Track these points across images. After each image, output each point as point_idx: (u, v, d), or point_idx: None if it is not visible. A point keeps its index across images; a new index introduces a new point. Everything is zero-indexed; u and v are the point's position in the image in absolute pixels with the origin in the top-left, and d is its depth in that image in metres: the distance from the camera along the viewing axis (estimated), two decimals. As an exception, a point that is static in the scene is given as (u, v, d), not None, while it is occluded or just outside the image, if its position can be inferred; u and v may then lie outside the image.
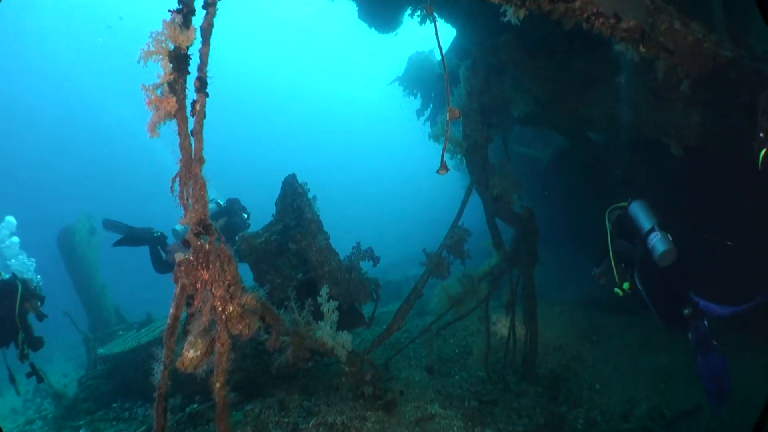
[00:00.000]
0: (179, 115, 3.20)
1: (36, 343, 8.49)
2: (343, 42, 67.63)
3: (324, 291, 5.60)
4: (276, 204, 7.54)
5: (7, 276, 8.63)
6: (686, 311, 6.06)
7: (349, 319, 7.28)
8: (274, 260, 7.33)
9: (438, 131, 7.47)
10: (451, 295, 7.51)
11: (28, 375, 8.47)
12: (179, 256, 3.40)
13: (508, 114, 8.21)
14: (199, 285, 3.38)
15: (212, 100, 3.36)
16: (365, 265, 7.45)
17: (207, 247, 3.35)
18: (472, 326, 9.69)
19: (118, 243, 9.41)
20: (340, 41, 68.32)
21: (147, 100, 3.07)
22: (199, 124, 3.39)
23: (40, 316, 8.77)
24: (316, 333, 5.22)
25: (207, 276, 3.34)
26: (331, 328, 5.35)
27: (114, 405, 9.50)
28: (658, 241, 6.05)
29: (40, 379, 8.52)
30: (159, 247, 9.59)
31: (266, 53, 71.21)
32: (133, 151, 56.00)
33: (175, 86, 3.17)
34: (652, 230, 6.18)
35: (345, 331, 5.56)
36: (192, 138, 3.34)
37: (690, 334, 6.03)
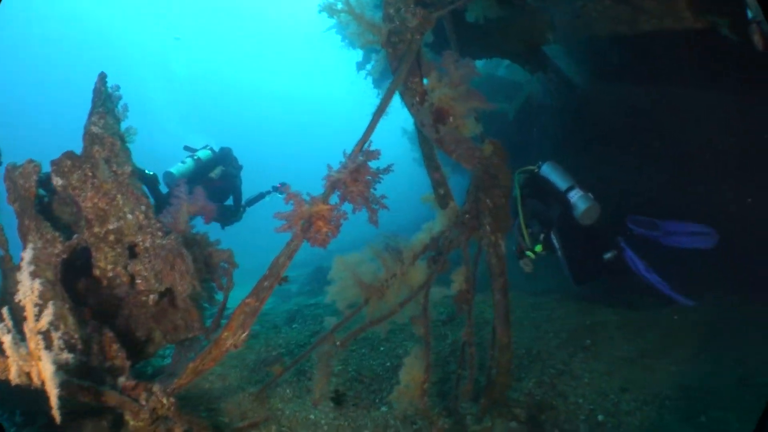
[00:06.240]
0: None
1: None
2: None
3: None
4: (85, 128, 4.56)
5: None
6: (608, 254, 6.67)
7: (167, 317, 4.46)
8: (42, 211, 4.28)
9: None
10: (364, 278, 4.53)
11: None
12: None
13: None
14: None
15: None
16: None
17: None
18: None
19: None
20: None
21: None
22: None
23: None
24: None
25: None
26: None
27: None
28: (579, 199, 6.44)
29: None
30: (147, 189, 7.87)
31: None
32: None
33: None
34: (571, 188, 6.57)
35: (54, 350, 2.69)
36: None
37: (627, 260, 6.58)
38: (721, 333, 6.01)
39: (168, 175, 8.21)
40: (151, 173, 7.93)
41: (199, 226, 8.87)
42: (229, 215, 9.10)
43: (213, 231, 8.79)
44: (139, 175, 7.36)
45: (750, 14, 3.92)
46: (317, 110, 71.72)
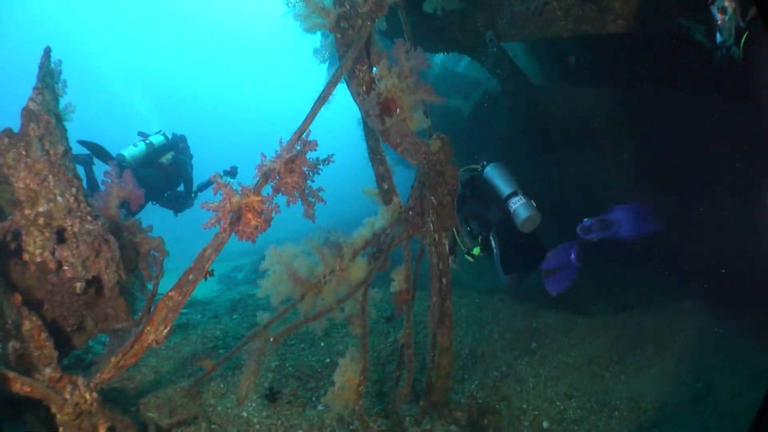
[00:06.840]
0: None
1: None
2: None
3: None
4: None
5: None
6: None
7: (97, 305, 4.24)
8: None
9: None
10: (299, 273, 4.34)
11: None
12: None
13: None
14: None
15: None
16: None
17: None
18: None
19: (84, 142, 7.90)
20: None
21: None
22: None
23: None
24: None
25: None
26: None
27: None
28: (521, 206, 6.15)
29: None
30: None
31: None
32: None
33: None
34: (513, 194, 6.26)
35: None
36: None
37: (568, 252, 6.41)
38: (678, 343, 5.67)
39: (119, 157, 8.12)
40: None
41: (170, 218, 8.89)
42: (181, 201, 9.17)
43: (167, 218, 8.71)
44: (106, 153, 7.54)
45: (719, 38, 3.80)
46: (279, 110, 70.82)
